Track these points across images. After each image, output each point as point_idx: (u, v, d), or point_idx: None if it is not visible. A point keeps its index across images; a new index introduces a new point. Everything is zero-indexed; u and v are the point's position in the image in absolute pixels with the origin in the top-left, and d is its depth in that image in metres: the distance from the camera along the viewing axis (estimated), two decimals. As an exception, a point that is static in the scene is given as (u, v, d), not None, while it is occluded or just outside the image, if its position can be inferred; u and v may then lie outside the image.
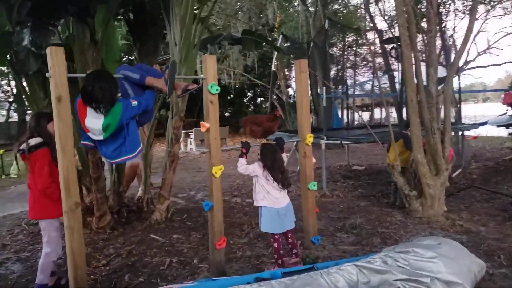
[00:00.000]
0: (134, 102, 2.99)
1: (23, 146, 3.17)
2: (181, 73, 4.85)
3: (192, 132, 14.74)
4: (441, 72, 7.02)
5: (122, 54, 17.94)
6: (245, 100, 27.09)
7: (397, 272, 2.75)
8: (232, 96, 24.75)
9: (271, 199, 3.56)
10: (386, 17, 15.21)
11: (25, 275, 3.73)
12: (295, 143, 6.72)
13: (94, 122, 2.84)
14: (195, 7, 5.18)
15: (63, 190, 2.74)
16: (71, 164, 2.75)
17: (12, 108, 23.09)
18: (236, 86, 18.66)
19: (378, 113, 22.52)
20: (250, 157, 3.93)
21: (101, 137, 2.89)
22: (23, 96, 4.46)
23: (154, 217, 5.12)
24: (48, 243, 3.24)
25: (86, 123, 2.88)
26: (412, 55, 5.06)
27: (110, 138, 2.91)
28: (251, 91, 25.63)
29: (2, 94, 23.38)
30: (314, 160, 4.14)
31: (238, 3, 14.86)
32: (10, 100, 22.79)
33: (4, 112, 24.27)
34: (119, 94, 3.01)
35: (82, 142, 3.12)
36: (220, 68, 16.05)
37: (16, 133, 20.19)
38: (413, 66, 5.08)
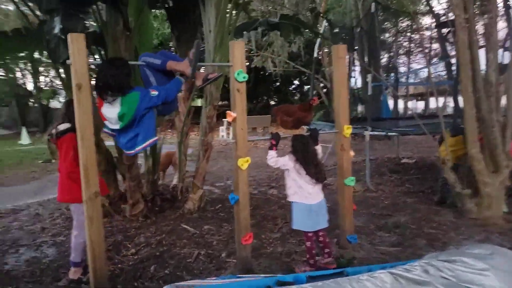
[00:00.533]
0: (154, 92, 2.88)
1: (54, 131, 3.22)
2: (215, 60, 4.68)
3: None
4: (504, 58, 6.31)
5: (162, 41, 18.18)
6: (291, 88, 26.61)
7: (440, 285, 2.41)
8: (277, 84, 24.38)
9: (303, 194, 3.31)
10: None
11: (57, 260, 3.77)
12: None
13: (110, 110, 2.77)
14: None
15: (82, 179, 2.68)
16: (91, 153, 2.68)
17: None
18: (281, 74, 18.26)
19: (434, 102, 21.24)
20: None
21: (117, 126, 2.82)
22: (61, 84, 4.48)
23: (187, 207, 5.04)
24: (76, 226, 3.28)
25: (102, 111, 2.82)
26: (469, 39, 4.52)
27: (126, 128, 2.82)
28: (297, 78, 25.11)
29: (60, 82, 24.60)
30: (352, 153, 3.82)
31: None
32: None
33: (62, 99, 25.64)
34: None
35: (103, 130, 3.06)
36: (264, 55, 15.76)
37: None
38: (470, 51, 4.55)
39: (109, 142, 4.75)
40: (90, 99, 2.68)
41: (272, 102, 27.00)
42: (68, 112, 3.22)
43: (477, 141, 4.62)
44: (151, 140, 2.94)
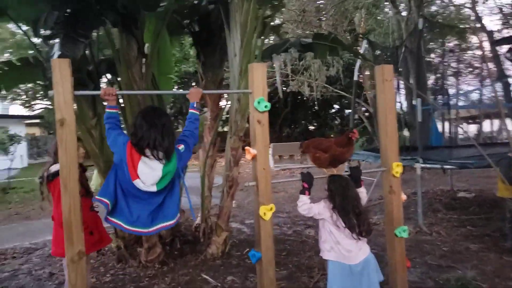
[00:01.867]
0: (181, 147, 2.47)
1: (45, 173, 2.79)
2: (240, 87, 4.16)
3: (270, 147, 14.07)
4: None
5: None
6: (331, 112, 25.75)
7: None
8: (316, 108, 23.66)
9: (340, 252, 2.62)
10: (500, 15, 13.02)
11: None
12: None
13: (152, 167, 2.31)
14: (259, 14, 4.47)
15: (66, 236, 2.15)
16: (75, 203, 2.16)
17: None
18: (319, 98, 17.59)
19: (487, 126, 19.66)
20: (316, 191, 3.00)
21: (153, 189, 2.33)
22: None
23: (210, 251, 4.44)
24: (68, 285, 2.73)
25: (139, 169, 2.30)
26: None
27: (150, 195, 2.36)
28: (337, 102, 24.26)
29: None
30: (404, 197, 3.08)
31: (321, 11, 13.95)
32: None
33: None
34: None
35: (96, 197, 2.41)
36: (299, 79, 15.19)
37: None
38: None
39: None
40: (75, 138, 2.19)
41: (311, 127, 26.23)
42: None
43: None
44: (170, 222, 2.46)
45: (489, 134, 17.85)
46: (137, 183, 2.30)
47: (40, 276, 4.22)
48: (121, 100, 4.30)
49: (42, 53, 3.40)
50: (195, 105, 2.63)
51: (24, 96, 24.92)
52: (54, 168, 2.80)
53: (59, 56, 2.95)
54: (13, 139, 11.65)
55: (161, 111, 2.55)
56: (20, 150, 15.90)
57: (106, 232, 3.16)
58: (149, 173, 2.30)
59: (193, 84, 19.35)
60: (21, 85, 21.56)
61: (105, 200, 2.35)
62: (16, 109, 26.86)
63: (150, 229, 2.41)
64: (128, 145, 2.33)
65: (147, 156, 2.30)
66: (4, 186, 11.07)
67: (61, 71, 2.18)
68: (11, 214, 7.94)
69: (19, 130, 15.60)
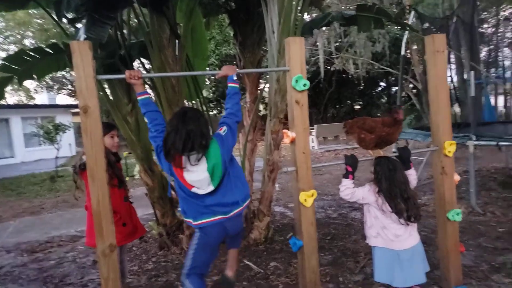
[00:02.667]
0: (222, 130, 2.39)
1: (78, 162, 2.78)
2: (279, 65, 4.00)
3: (313, 128, 13.78)
4: None
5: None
6: (377, 90, 24.83)
7: None
8: (362, 87, 22.91)
9: (388, 237, 2.47)
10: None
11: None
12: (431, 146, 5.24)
13: (197, 173, 2.26)
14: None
15: (95, 228, 2.13)
16: (103, 195, 2.11)
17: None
18: (365, 76, 16.93)
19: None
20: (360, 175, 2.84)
21: (211, 188, 2.30)
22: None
23: (252, 236, 4.38)
24: None
25: (186, 177, 2.28)
26: None
27: (221, 188, 2.35)
28: (383, 80, 23.34)
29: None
30: (457, 177, 2.85)
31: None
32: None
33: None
34: None
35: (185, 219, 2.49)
36: (345, 57, 14.66)
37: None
38: None
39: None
40: (100, 125, 2.12)
41: (357, 107, 25.48)
42: None
43: None
44: (246, 203, 2.48)
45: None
46: (195, 191, 2.30)
47: (84, 264, 4.28)
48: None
49: (70, 38, 3.35)
50: (234, 78, 2.50)
51: (70, 86, 25.93)
52: (86, 157, 2.78)
53: (85, 40, 2.88)
54: (59, 128, 11.99)
55: (192, 113, 2.35)
56: (68, 139, 16.62)
57: (140, 223, 3.14)
58: (197, 179, 2.27)
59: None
60: (65, 75, 22.38)
61: (189, 220, 2.42)
62: (63, 98, 28.07)
63: (231, 214, 2.40)
64: None
65: (184, 168, 2.25)
66: (52, 174, 11.50)
67: (82, 54, 2.08)
68: (59, 202, 8.15)
69: (66, 119, 16.25)
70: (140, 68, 5.28)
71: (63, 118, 15.95)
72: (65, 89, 26.50)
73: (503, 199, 5.63)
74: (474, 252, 3.79)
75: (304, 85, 2.38)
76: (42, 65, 3.80)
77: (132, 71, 2.30)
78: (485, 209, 5.16)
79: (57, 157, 12.08)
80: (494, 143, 5.20)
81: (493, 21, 18.31)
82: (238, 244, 2.81)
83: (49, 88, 25.32)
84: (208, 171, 2.26)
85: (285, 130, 2.46)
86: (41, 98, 25.62)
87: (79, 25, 3.23)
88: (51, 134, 11.79)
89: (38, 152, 18.43)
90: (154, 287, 3.54)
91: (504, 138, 5.34)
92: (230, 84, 2.51)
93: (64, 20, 3.42)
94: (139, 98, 2.38)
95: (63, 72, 20.07)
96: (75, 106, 24.12)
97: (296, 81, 2.37)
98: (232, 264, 2.75)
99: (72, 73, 2.28)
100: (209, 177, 2.28)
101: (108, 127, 2.90)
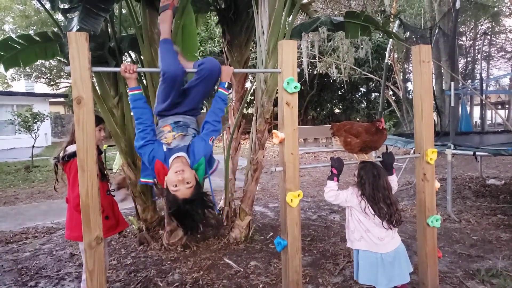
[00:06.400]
0: (211, 141, 2.40)
1: (61, 153, 2.70)
2: (268, 66, 4.03)
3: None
4: None
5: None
6: (357, 95, 25.22)
7: None
8: (343, 91, 23.20)
9: (371, 240, 2.53)
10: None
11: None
12: (412, 151, 5.34)
13: None
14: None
15: (82, 220, 2.10)
16: (93, 186, 2.08)
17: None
18: (347, 81, 17.17)
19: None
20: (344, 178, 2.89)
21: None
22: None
23: (233, 235, 4.39)
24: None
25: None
26: None
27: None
28: (363, 85, 23.74)
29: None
30: (438, 184, 2.94)
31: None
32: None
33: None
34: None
35: (141, 180, 2.44)
36: (328, 61, 14.83)
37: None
38: None
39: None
40: (93, 117, 2.10)
41: (337, 110, 25.82)
42: None
43: None
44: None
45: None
46: None
47: (61, 257, 4.19)
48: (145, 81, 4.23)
49: (64, 29, 3.31)
50: (226, 85, 2.48)
51: (49, 75, 25.32)
52: (71, 148, 2.70)
53: (78, 31, 2.84)
54: (37, 117, 11.74)
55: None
56: (44, 129, 16.23)
57: (122, 217, 3.11)
58: None
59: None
60: (44, 63, 21.81)
61: (148, 180, 2.38)
62: (41, 87, 27.37)
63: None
64: (156, 164, 2.23)
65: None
66: (27, 164, 11.22)
67: (78, 45, 2.05)
68: (34, 193, 7.95)
69: (43, 108, 15.87)
70: (127, 61, 5.22)
71: (40, 107, 15.53)
72: (44, 78, 25.81)
73: (477, 207, 5.82)
74: (449, 258, 3.91)
75: (295, 87, 2.41)
76: (29, 52, 3.72)
77: (127, 65, 2.27)
78: (460, 217, 5.31)
79: (33, 147, 11.81)
80: (471, 152, 5.38)
81: (471, 34, 18.88)
82: None
83: (27, 76, 24.63)
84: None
85: (274, 131, 2.48)
86: (18, 85, 24.95)
87: (70, 16, 3.17)
88: (28, 123, 11.49)
89: (12, 141, 17.96)
90: (133, 282, 3.50)
91: (480, 148, 5.51)
92: (220, 90, 2.49)
93: (57, 13, 3.37)
94: (130, 93, 2.34)
95: (42, 61, 19.59)
96: (53, 95, 23.60)
97: (288, 83, 2.40)
98: None
99: (67, 67, 2.22)
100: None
101: (97, 120, 2.86)
